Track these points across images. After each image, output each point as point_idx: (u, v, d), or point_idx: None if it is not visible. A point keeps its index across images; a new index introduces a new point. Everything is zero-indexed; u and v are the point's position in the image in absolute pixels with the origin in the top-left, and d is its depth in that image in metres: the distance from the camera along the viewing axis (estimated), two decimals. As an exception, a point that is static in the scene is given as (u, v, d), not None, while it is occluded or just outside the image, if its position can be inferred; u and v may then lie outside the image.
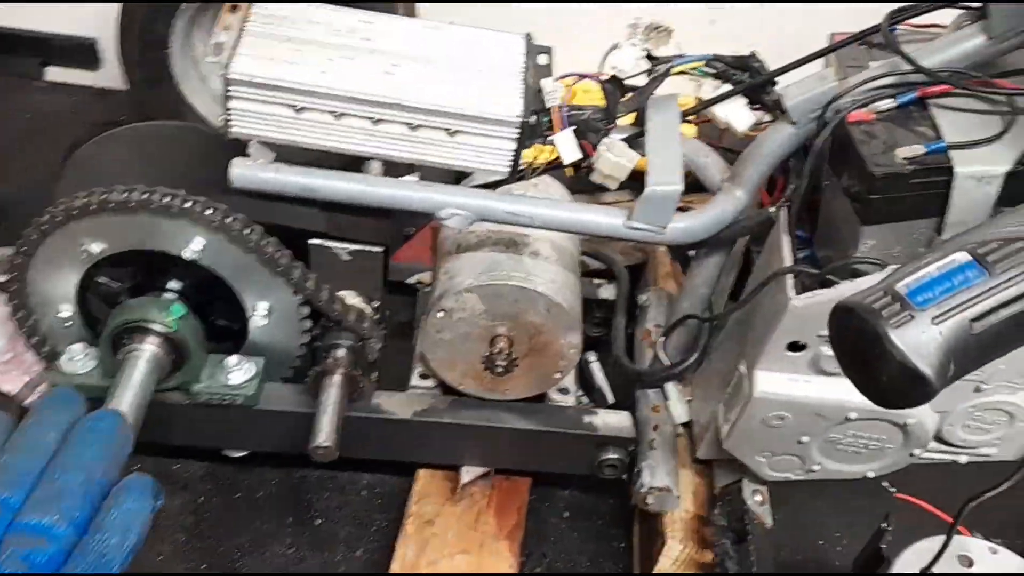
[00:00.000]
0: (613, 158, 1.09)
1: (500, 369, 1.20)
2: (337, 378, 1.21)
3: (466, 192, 1.10)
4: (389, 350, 1.33)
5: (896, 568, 1.07)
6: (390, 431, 1.29)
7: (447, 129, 1.05)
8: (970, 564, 1.09)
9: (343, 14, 1.14)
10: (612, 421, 1.32)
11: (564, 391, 1.36)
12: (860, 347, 0.53)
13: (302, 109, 1.04)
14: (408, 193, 1.10)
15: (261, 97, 1.03)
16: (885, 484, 1.27)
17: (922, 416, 1.09)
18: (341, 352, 1.23)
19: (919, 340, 0.51)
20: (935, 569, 1.06)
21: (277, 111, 1.04)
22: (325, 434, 1.14)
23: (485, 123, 1.05)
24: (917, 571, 0.99)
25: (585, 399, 1.56)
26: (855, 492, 1.47)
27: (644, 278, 1.55)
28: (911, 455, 1.15)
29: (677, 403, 1.32)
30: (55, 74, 2.10)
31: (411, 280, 1.55)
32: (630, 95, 1.15)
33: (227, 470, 1.41)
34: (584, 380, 1.60)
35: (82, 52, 2.06)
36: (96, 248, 1.13)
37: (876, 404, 0.56)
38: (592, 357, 1.56)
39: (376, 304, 1.28)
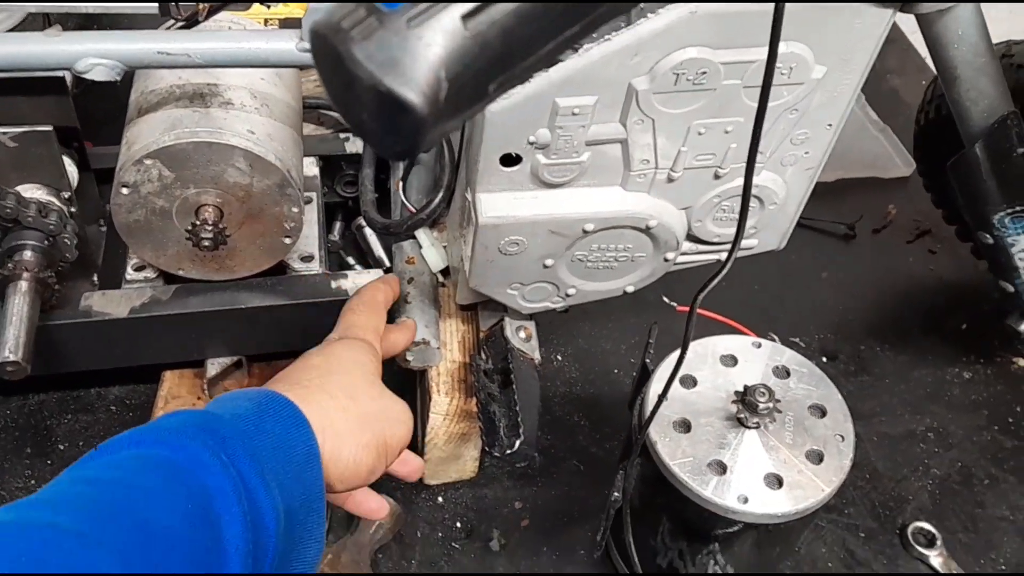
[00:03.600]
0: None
1: (208, 243, 1.06)
2: (23, 284, 1.04)
3: (101, 36, 0.92)
4: (117, 246, 1.17)
5: (656, 377, 1.00)
6: (109, 335, 1.14)
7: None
8: (734, 362, 1.03)
9: None
10: (363, 282, 1.20)
11: (307, 258, 1.22)
12: (337, 80, 0.40)
13: None
14: (28, 48, 0.92)
15: None
16: (673, 303, 1.19)
17: (664, 216, 1.00)
18: (26, 254, 1.06)
19: (390, 52, 0.38)
20: (689, 371, 1.00)
21: None
22: (9, 348, 0.99)
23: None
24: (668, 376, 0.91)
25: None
26: (640, 314, 1.41)
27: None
28: (666, 260, 1.06)
29: (431, 250, 1.21)
30: None
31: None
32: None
33: (-51, 408, 1.25)
34: (360, 248, 1.48)
35: None
36: None
37: (378, 151, 0.44)
38: (363, 222, 1.43)
39: (67, 195, 1.11)
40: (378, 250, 1.44)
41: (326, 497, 0.73)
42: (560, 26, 0.40)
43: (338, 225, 1.48)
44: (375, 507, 0.90)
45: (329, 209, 1.47)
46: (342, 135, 1.41)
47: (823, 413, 0.98)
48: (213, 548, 0.57)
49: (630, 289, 1.10)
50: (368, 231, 1.46)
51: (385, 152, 0.40)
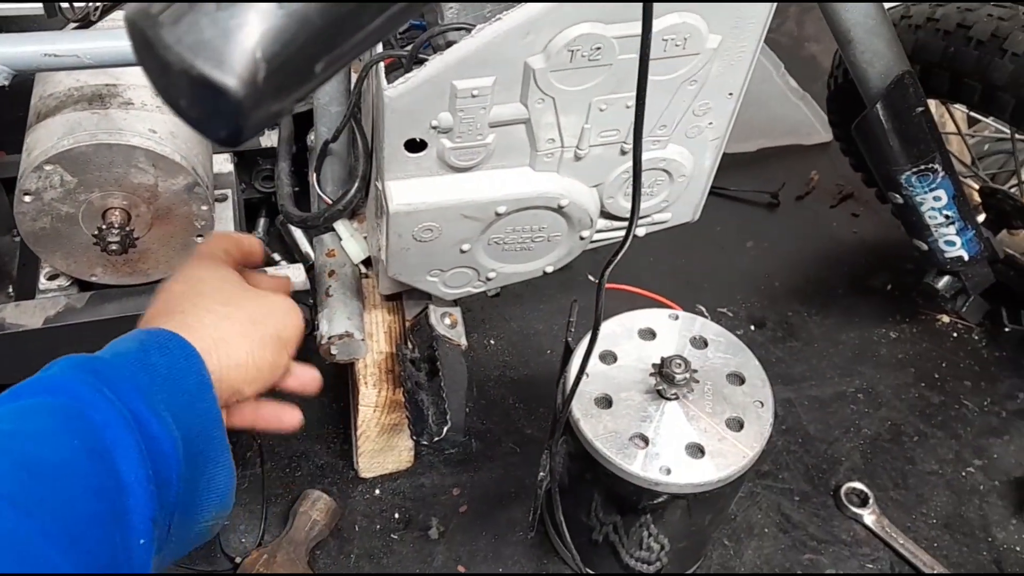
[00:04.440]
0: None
1: (116, 247, 1.04)
2: (-72, 299, 1.02)
3: (-15, 41, 0.90)
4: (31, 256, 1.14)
5: (576, 355, 1.00)
6: (24, 346, 1.11)
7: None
8: (652, 335, 1.03)
9: None
10: (285, 276, 1.19)
11: (225, 257, 1.20)
12: (153, 67, 0.38)
13: None
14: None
15: None
16: (593, 278, 1.19)
17: (575, 195, 1.00)
18: (-70, 269, 1.03)
19: (200, 35, 0.36)
20: (609, 347, 1.00)
21: None
22: (-85, 367, 0.96)
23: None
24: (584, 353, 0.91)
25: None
26: (570, 293, 1.41)
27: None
28: (582, 238, 1.06)
29: (351, 241, 1.20)
30: None
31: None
32: None
33: None
34: (286, 244, 1.47)
35: None
36: None
37: (205, 136, 0.42)
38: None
39: (-30, 205, 1.08)
40: (304, 246, 1.42)
41: (253, 404, 0.72)
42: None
43: (262, 221, 1.46)
44: (308, 378, 0.81)
45: (251, 206, 1.45)
46: (257, 130, 1.39)
47: (742, 380, 0.99)
48: (109, 479, 0.54)
49: (549, 269, 1.10)
50: (291, 225, 1.44)
51: (212, 137, 0.38)
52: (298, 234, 1.44)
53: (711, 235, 1.56)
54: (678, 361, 0.93)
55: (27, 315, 1.11)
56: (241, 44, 0.37)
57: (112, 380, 0.60)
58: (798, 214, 1.66)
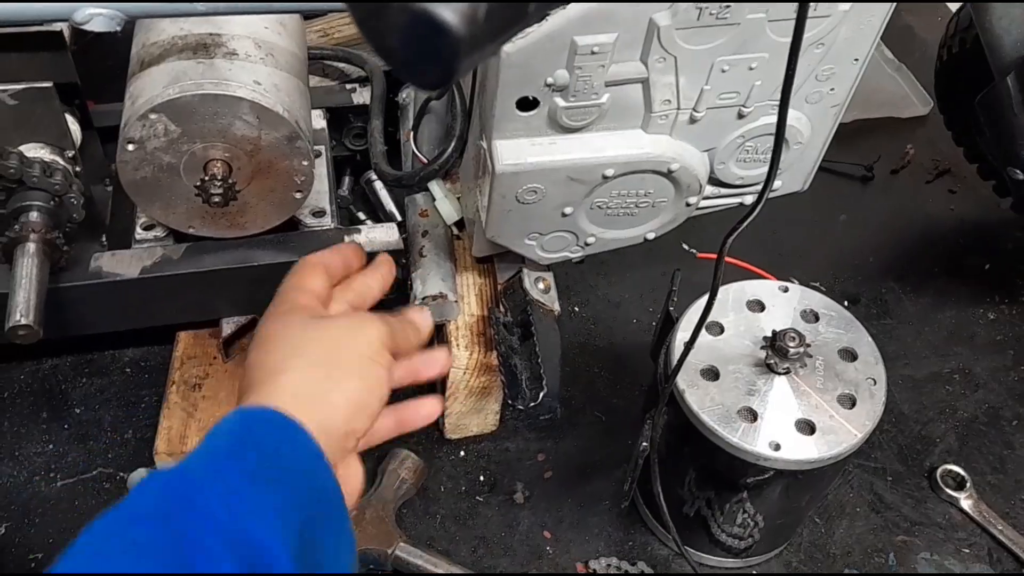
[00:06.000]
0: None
1: (218, 199, 1.03)
2: (31, 246, 1.02)
3: (100, -15, 0.89)
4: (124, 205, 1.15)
5: (682, 325, 0.98)
6: (120, 296, 1.11)
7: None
8: (760, 307, 1.00)
9: None
10: (378, 236, 1.18)
11: (319, 213, 1.19)
12: (366, 7, 0.36)
13: None
14: (26, 1, 0.88)
15: None
16: (692, 250, 1.16)
17: (686, 159, 0.97)
18: (33, 215, 1.03)
19: None
20: (716, 318, 0.98)
21: None
22: (20, 311, 0.97)
23: None
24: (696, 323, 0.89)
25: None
26: (656, 262, 1.39)
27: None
28: (688, 205, 1.03)
29: (444, 202, 1.18)
30: None
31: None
32: None
33: (-37, 373, 1.23)
34: (370, 203, 1.45)
35: None
36: None
37: (411, 80, 0.40)
38: (373, 175, 1.40)
39: (71, 154, 1.08)
40: (389, 204, 1.42)
41: (387, 413, 0.71)
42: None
43: (347, 180, 1.45)
44: (427, 412, 0.78)
45: (337, 163, 1.44)
46: (348, 86, 1.38)
47: (854, 357, 0.96)
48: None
49: (651, 236, 1.07)
50: (378, 185, 1.42)
51: (418, 82, 0.36)
52: (383, 193, 1.43)
53: (803, 207, 1.51)
54: (792, 335, 0.90)
55: (123, 264, 1.11)
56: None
57: (207, 495, 0.56)
58: (893, 189, 1.60)
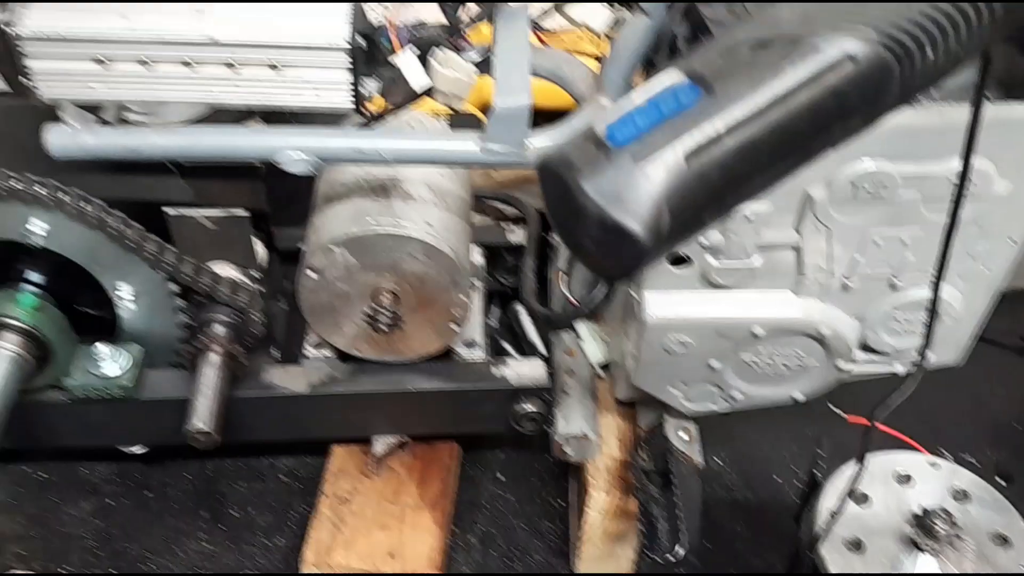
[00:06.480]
0: (450, 74, 0.98)
1: (384, 327, 1.11)
2: (214, 357, 1.12)
3: (302, 131, 1.00)
4: (297, 322, 1.25)
5: (827, 491, 0.97)
6: (287, 408, 1.20)
7: (270, 64, 0.95)
8: (908, 480, 0.99)
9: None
10: (524, 371, 1.23)
11: (471, 344, 1.25)
12: (563, 209, 0.42)
13: (108, 60, 0.94)
14: (234, 140, 1.00)
15: (61, 53, 0.93)
16: (840, 412, 1.15)
17: (836, 324, 0.98)
18: (218, 328, 1.14)
19: (616, 186, 0.40)
20: (862, 487, 0.96)
21: (82, 67, 0.94)
22: (200, 418, 1.06)
23: (309, 52, 0.95)
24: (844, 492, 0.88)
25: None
26: (806, 420, 1.37)
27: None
28: (838, 369, 1.04)
29: (591, 343, 1.22)
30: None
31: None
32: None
33: (136, 468, 1.33)
34: (515, 333, 1.51)
35: None
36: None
37: (599, 275, 0.45)
38: (519, 308, 1.47)
39: (257, 274, 1.19)
40: (532, 336, 1.46)
41: None
42: (774, 162, 0.42)
43: (495, 311, 1.52)
44: None
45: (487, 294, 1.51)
46: (503, 224, 1.46)
47: (1005, 542, 0.92)
48: None
49: (800, 397, 1.07)
50: (524, 317, 1.48)
51: (602, 273, 0.42)
52: (528, 325, 1.48)
53: (957, 376, 1.47)
54: (943, 515, 0.88)
55: (293, 379, 1.19)
56: (652, 198, 0.40)
57: None
58: (1054, 362, 1.54)
